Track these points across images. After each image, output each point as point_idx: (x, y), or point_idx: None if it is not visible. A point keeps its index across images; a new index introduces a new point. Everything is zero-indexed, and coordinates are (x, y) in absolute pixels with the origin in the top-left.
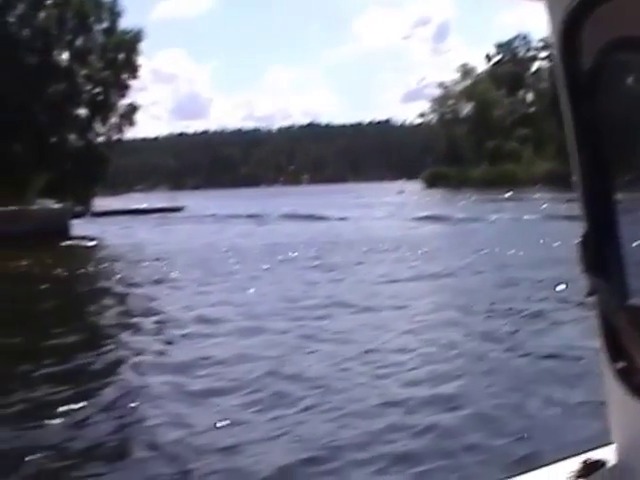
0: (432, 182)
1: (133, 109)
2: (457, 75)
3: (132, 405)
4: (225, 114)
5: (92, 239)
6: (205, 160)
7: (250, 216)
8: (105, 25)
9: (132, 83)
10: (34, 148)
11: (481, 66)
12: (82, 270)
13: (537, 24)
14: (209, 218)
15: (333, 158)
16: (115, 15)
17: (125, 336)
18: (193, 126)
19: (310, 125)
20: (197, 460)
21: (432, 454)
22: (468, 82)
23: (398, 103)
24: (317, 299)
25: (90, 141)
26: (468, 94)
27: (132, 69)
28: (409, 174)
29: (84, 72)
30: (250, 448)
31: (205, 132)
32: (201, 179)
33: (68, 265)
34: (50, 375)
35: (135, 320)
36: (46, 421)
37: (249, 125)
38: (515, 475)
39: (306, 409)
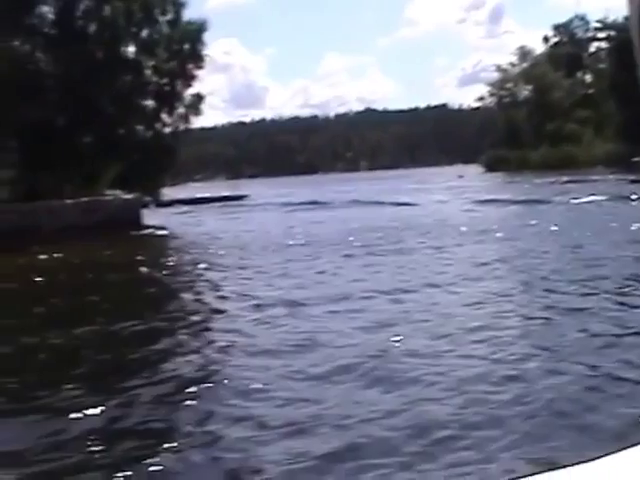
0: (491, 166)
1: (199, 99)
2: (514, 58)
3: (256, 385)
4: (281, 102)
5: (163, 228)
6: (262, 148)
7: (315, 203)
8: (170, 17)
9: (198, 73)
10: (103, 140)
11: (538, 48)
12: (164, 258)
13: (593, 4)
14: (274, 206)
15: (390, 144)
16: (179, 6)
17: (226, 320)
18: (250, 115)
19: (366, 111)
20: (335, 433)
21: (562, 429)
22: (526, 64)
23: (454, 87)
24: (408, 282)
25: (158, 132)
26: (526, 77)
27: (197, 59)
28: (465, 158)
29: (150, 64)
30: (382, 423)
31: (262, 120)
32: (259, 167)
33: (148, 254)
34: (164, 359)
35: (232, 304)
36: (183, 402)
37: (305, 113)
38: (588, 460)
39: (430, 384)
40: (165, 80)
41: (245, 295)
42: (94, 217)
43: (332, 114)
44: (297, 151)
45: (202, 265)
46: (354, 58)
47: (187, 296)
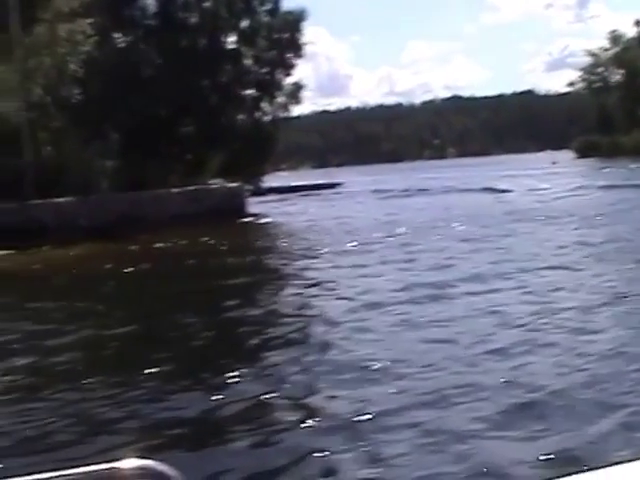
0: (583, 151)
1: (299, 88)
2: (605, 42)
3: (433, 362)
4: (366, 90)
5: (266, 216)
6: (348, 137)
7: (411, 190)
8: (269, 7)
9: (297, 62)
10: (206, 129)
11: (629, 32)
12: (280, 245)
13: None
14: (370, 193)
15: (477, 131)
16: None
17: (374, 302)
18: (335, 103)
19: (453, 98)
20: (530, 404)
21: None
22: (617, 49)
23: (541, 73)
24: (539, 263)
25: (258, 121)
26: (618, 61)
27: (297, 48)
28: (554, 144)
29: (251, 53)
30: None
31: (347, 109)
32: (345, 156)
33: (263, 240)
34: (322, 338)
35: (372, 286)
36: (361, 379)
37: (391, 100)
38: (626, 461)
39: (606, 358)
40: (265, 69)
41: (383, 279)
42: (200, 206)
43: (417, 102)
44: (382, 139)
45: (324, 250)
46: (439, 45)
47: (321, 278)
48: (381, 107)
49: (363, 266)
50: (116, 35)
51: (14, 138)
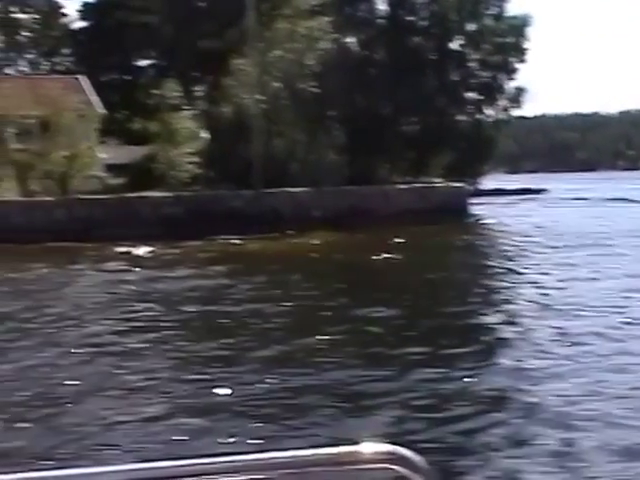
0: None
1: (521, 92)
2: None
3: None
4: (563, 98)
5: (488, 217)
6: (543, 144)
7: (622, 199)
8: (494, 11)
9: (519, 67)
10: (429, 128)
11: None
12: (518, 245)
13: None
14: (580, 201)
15: None
16: (502, 1)
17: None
18: (531, 109)
19: None
20: None
21: None
22: None
23: None
24: None
25: (480, 123)
26: None
27: (520, 52)
28: None
29: (475, 57)
30: None
31: (543, 116)
32: (537, 163)
33: (495, 241)
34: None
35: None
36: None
37: (587, 109)
38: None
39: None
40: (489, 73)
41: None
42: (426, 203)
43: (613, 111)
44: (577, 147)
45: (575, 251)
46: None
47: (576, 276)
48: (577, 115)
49: (610, 268)
50: (349, 34)
51: (247, 128)
